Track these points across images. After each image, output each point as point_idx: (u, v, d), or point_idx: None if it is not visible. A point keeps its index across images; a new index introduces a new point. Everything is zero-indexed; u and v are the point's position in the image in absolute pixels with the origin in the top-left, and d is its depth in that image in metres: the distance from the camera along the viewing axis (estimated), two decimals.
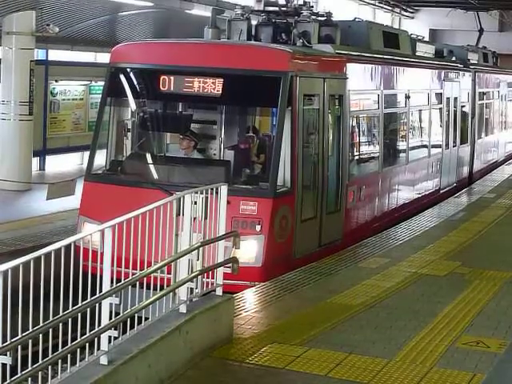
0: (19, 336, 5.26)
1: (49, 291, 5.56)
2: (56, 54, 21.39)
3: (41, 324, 5.46)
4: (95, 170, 12.00)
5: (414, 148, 17.32)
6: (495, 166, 25.98)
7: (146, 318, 6.97)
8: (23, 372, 5.33)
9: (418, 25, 41.05)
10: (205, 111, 12.80)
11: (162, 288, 7.08)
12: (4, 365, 5.18)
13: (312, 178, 11.93)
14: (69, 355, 5.81)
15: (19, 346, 5.24)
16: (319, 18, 14.04)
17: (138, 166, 11.96)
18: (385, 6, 39.77)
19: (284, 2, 14.03)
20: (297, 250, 11.47)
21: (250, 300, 9.52)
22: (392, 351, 7.91)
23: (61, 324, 5.68)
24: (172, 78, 11.53)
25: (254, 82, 11.44)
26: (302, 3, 14.01)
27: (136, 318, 6.74)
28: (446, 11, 37.04)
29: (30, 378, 5.39)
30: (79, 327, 6.05)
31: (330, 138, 12.60)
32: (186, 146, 12.07)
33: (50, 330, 5.57)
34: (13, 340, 5.19)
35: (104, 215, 8.09)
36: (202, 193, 7.57)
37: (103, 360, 6.10)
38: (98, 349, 6.16)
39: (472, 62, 23.81)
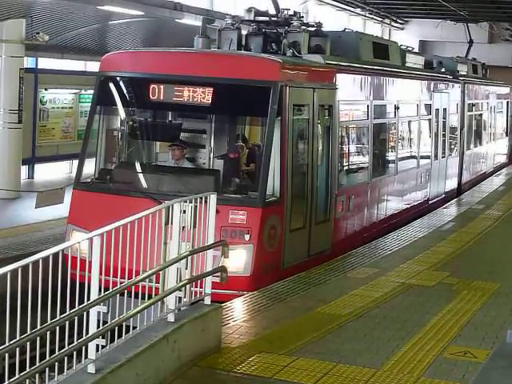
0: (7, 344, 5.24)
1: (36, 299, 5.54)
2: (46, 63, 21.37)
3: (28, 332, 5.45)
4: (84, 179, 11.98)
5: (403, 158, 17.35)
6: (484, 177, 26.06)
7: (134, 327, 6.97)
8: (11, 380, 5.32)
9: (407, 36, 41.28)
10: (194, 120, 12.82)
11: (150, 297, 7.08)
12: None
13: (301, 187, 11.94)
14: (56, 363, 5.80)
15: (7, 354, 5.23)
16: (309, 29, 14.07)
17: (127, 174, 11.94)
18: (375, 17, 39.94)
19: (274, 12, 14.06)
20: (286, 259, 11.46)
21: (238, 309, 9.51)
22: (380, 361, 7.91)
23: (48, 332, 5.67)
24: (162, 86, 11.53)
25: (244, 91, 11.45)
26: (292, 13, 14.04)
27: (124, 326, 6.73)
28: (436, 22, 37.23)
29: None
30: (67, 335, 6.04)
31: (320, 147, 12.61)
32: (179, 156, 12.06)
33: (38, 338, 5.55)
34: (0, 348, 5.18)
35: (93, 224, 8.06)
36: (191, 202, 7.57)
37: (91, 368, 6.08)
38: (86, 357, 6.15)
39: (461, 73, 23.92)
